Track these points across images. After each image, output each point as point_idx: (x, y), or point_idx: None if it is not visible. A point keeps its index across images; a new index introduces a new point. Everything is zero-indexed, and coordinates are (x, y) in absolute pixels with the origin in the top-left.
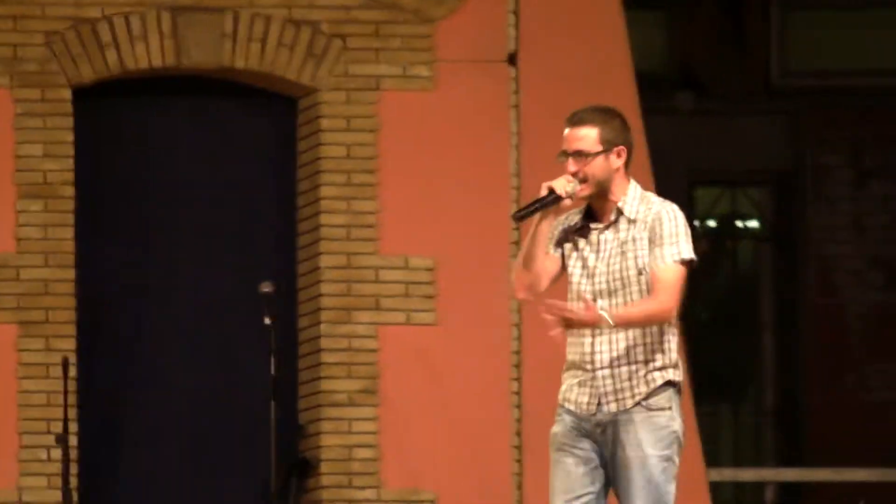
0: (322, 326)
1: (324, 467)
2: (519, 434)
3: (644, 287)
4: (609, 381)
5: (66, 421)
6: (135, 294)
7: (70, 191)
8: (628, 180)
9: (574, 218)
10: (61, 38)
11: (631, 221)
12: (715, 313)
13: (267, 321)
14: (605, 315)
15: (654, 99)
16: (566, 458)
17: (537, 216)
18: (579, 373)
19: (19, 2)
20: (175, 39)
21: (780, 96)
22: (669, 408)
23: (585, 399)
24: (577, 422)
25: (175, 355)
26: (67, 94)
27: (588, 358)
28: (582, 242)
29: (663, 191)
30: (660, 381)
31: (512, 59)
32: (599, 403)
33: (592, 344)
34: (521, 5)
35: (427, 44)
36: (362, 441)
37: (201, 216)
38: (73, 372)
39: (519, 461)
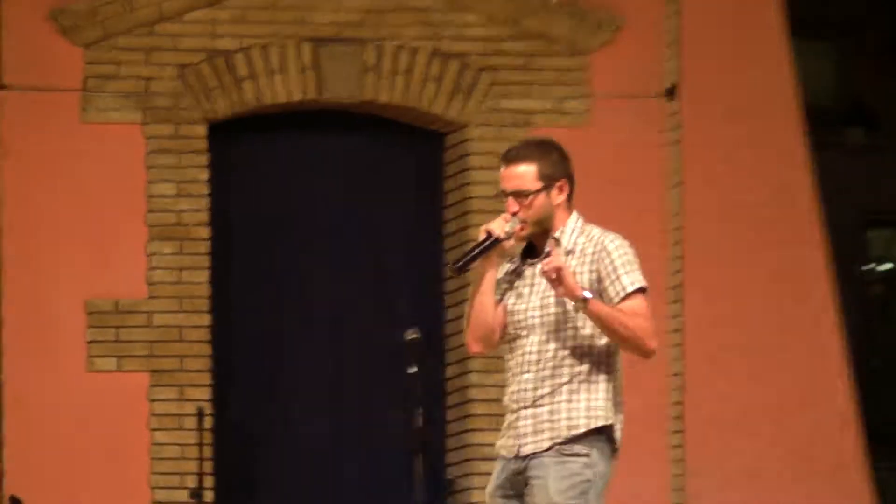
0: (471, 376)
1: None
2: (683, 489)
3: (583, 323)
4: (529, 422)
5: (200, 475)
6: (272, 340)
7: (204, 232)
8: (570, 213)
9: (517, 259)
10: (195, 72)
11: (568, 252)
12: (890, 361)
13: (412, 370)
14: (586, 294)
15: (823, 134)
16: None
17: (478, 263)
18: (509, 415)
19: (151, 33)
20: (315, 72)
21: None
22: (587, 454)
23: (509, 442)
24: (505, 472)
25: (314, 405)
26: (202, 129)
27: (524, 395)
28: (518, 279)
29: (834, 231)
30: (582, 428)
31: (671, 93)
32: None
33: (523, 383)
34: (681, 36)
35: (580, 77)
36: None
37: (342, 258)
38: (208, 422)
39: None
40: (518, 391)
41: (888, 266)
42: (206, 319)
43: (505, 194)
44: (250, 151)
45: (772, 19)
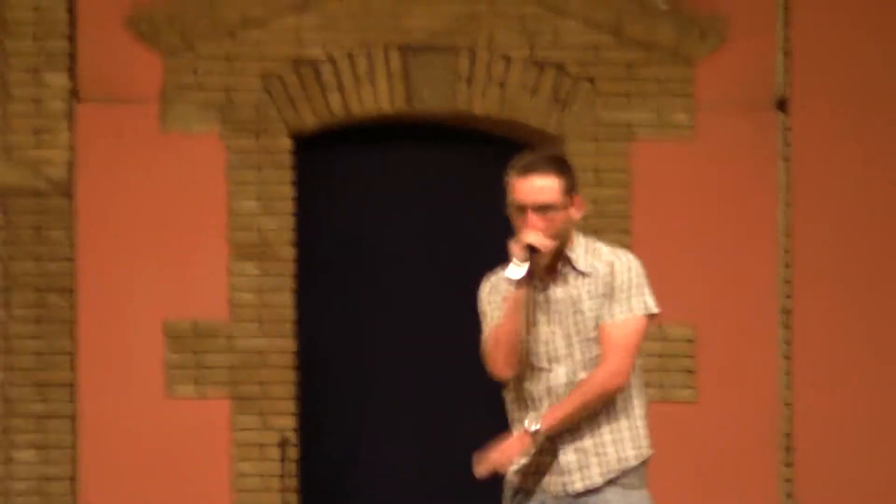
0: None
1: None
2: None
3: None
4: (572, 458)
5: None
6: (360, 364)
7: (289, 251)
8: (575, 231)
9: (502, 281)
10: (280, 81)
11: (582, 275)
12: None
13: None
14: (534, 429)
15: None
16: None
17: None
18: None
19: (233, 40)
20: (405, 82)
21: None
22: (641, 486)
23: (553, 478)
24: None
25: (405, 432)
26: (287, 142)
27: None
28: (528, 306)
29: None
30: (633, 461)
31: (781, 105)
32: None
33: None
34: (792, 44)
35: (686, 87)
36: None
37: (432, 277)
38: (292, 452)
39: None
40: (522, 419)
41: None
42: (290, 343)
43: (524, 208)
44: (338, 165)
45: (888, 25)
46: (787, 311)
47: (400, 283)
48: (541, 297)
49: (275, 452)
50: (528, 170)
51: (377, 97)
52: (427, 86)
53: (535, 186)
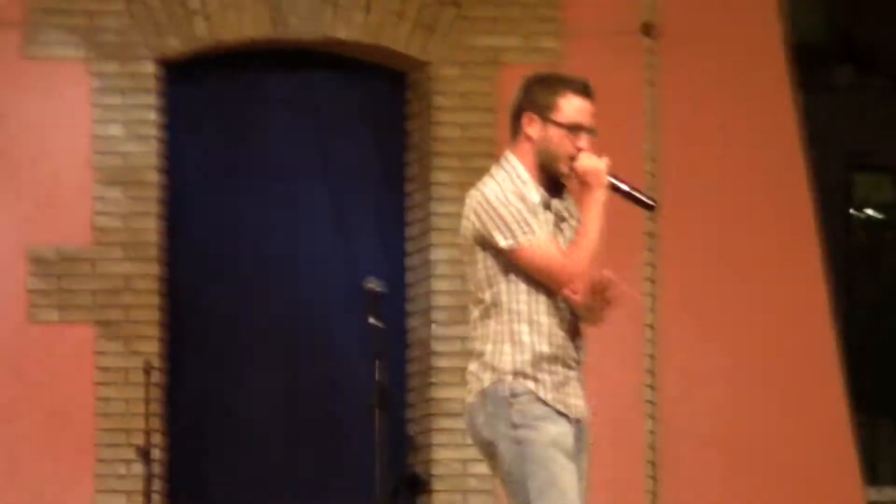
0: (435, 328)
1: (435, 483)
2: (653, 448)
3: None
4: (582, 380)
5: (148, 432)
6: (225, 290)
7: (154, 176)
8: None
9: (533, 196)
10: (144, 5)
11: (569, 200)
12: (874, 314)
13: (372, 321)
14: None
15: (809, 74)
16: (571, 467)
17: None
18: (560, 369)
19: None
20: (272, 7)
21: None
22: None
23: (571, 401)
24: (571, 428)
25: (269, 358)
26: (151, 67)
27: (573, 353)
28: (554, 221)
29: (818, 175)
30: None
31: (648, 30)
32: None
33: (575, 336)
34: None
35: (553, 12)
36: (478, 455)
37: (301, 202)
38: (156, 377)
39: (652, 477)
40: (566, 347)
41: (873, 213)
42: (154, 269)
43: (579, 129)
44: (204, 92)
45: None
46: (653, 235)
47: (267, 206)
48: (569, 213)
49: (139, 377)
50: (587, 91)
51: (243, 23)
52: (293, 11)
53: (591, 110)
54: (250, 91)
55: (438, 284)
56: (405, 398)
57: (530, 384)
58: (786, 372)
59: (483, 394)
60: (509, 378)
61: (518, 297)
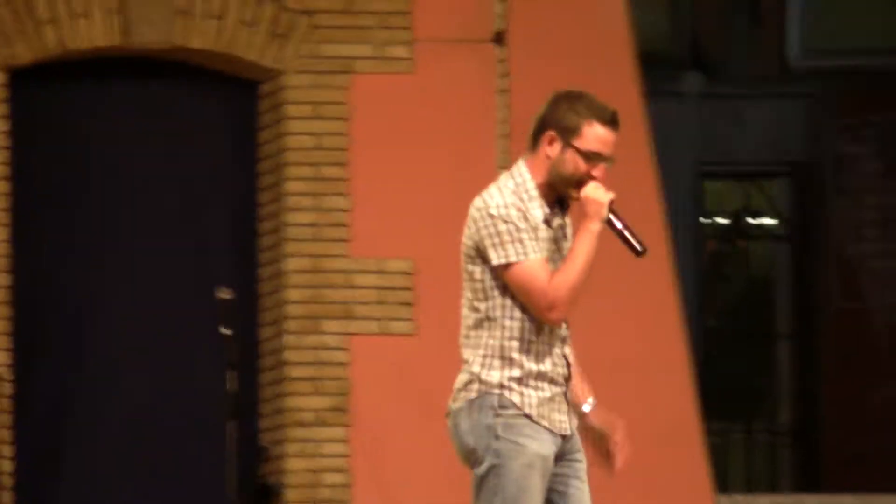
0: (287, 337)
1: (289, 494)
2: None
3: None
4: (569, 397)
5: None
6: (77, 300)
7: (3, 186)
8: None
9: (536, 212)
10: None
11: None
12: (726, 321)
13: (224, 331)
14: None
15: (658, 81)
16: (541, 489)
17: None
18: (548, 387)
19: None
20: (122, 15)
21: (799, 78)
22: None
23: (557, 417)
24: (554, 446)
25: (122, 370)
26: (1, 77)
27: (562, 370)
28: (554, 244)
29: (668, 183)
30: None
31: (499, 39)
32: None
33: (563, 354)
34: None
35: (405, 21)
36: (331, 465)
37: (151, 214)
38: (7, 389)
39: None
40: (556, 364)
41: (723, 220)
42: (5, 279)
43: (598, 158)
44: (54, 100)
45: None
46: None
47: (119, 216)
48: (565, 233)
49: None
50: (613, 121)
51: (93, 31)
52: (144, 20)
53: (613, 140)
54: (99, 100)
55: (291, 294)
56: (257, 408)
57: (516, 399)
58: (637, 379)
59: (470, 402)
60: (497, 391)
61: (513, 312)
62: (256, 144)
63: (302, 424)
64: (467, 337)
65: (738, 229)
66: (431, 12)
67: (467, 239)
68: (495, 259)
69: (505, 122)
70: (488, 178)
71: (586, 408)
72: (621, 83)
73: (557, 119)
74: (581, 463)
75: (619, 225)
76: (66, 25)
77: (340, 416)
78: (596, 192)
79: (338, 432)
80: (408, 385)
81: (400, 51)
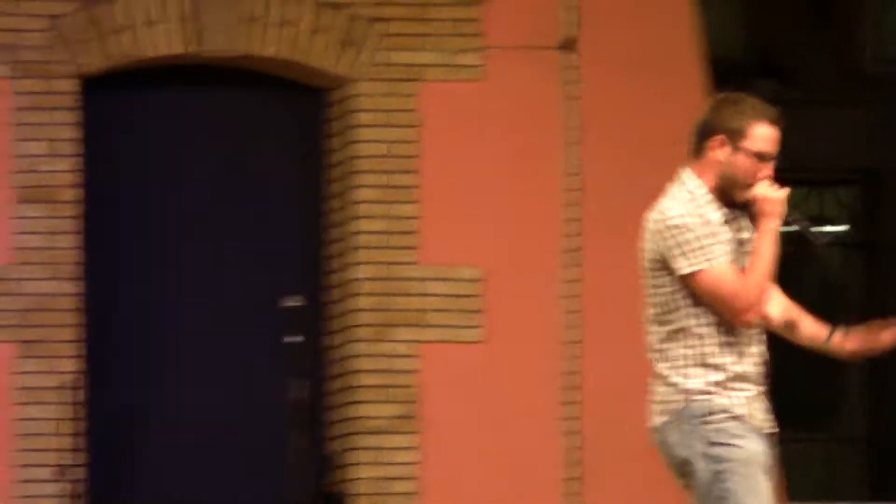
0: (357, 345)
1: (359, 502)
2: (579, 463)
3: None
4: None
5: (75, 451)
6: (146, 308)
7: (74, 194)
8: None
9: (714, 215)
10: (67, 22)
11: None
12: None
13: (292, 339)
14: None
15: (730, 88)
16: (768, 484)
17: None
18: (751, 387)
19: None
20: (194, 23)
21: (875, 85)
22: None
23: (762, 416)
24: (765, 443)
25: (193, 376)
26: (73, 84)
27: (761, 369)
28: (739, 245)
29: None
30: None
31: (568, 46)
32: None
33: (762, 355)
34: None
35: (474, 28)
36: (401, 473)
37: (222, 222)
38: (78, 396)
39: (572, 494)
40: (756, 364)
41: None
42: (77, 287)
43: (766, 157)
44: (126, 109)
45: None
46: (575, 251)
47: (189, 224)
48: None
49: (61, 396)
50: (778, 121)
51: (166, 39)
52: (216, 28)
53: (777, 138)
54: (170, 108)
55: (361, 302)
56: (323, 416)
57: (724, 402)
58: None
59: (677, 413)
60: (703, 397)
61: (706, 319)
62: (326, 152)
63: (371, 432)
64: (660, 350)
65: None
66: (501, 20)
67: (649, 252)
68: (683, 268)
69: (574, 130)
70: (557, 185)
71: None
72: (691, 90)
73: (724, 123)
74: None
75: (797, 220)
76: (138, 33)
77: (410, 423)
78: (769, 191)
79: (407, 440)
80: (477, 392)
81: (470, 58)
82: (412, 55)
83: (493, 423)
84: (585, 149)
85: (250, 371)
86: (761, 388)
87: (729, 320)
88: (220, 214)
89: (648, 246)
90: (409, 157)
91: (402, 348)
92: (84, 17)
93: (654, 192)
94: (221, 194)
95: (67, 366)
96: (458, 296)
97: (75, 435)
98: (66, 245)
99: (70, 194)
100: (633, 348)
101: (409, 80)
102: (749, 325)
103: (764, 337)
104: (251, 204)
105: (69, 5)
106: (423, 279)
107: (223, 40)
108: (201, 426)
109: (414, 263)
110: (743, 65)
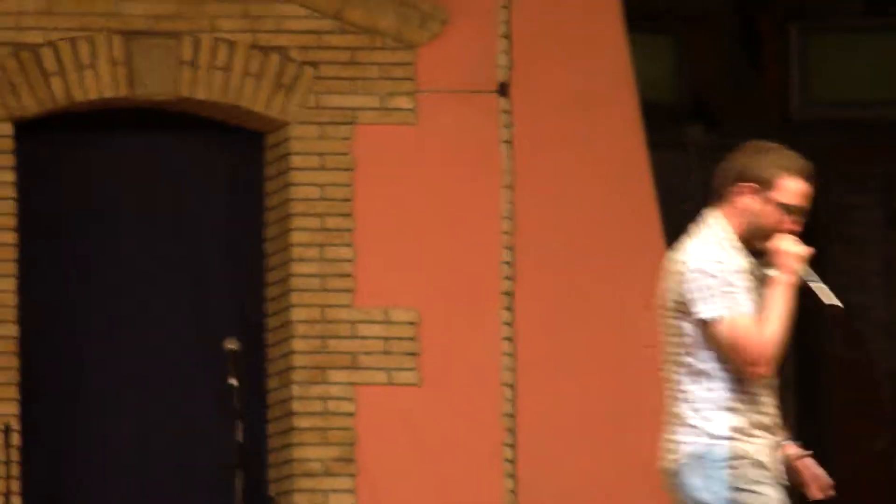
0: (293, 387)
1: None
2: None
3: None
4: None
5: (7, 494)
6: (83, 352)
7: (11, 237)
8: None
9: (741, 261)
10: (0, 66)
11: None
12: None
13: (231, 381)
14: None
15: (660, 132)
16: None
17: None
18: (769, 436)
19: None
20: (128, 67)
21: (802, 129)
22: None
23: (780, 466)
24: (784, 494)
25: (129, 418)
26: (8, 128)
27: (778, 419)
28: (757, 293)
29: (670, 233)
30: None
31: (502, 90)
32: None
33: (775, 404)
34: (512, 29)
35: (408, 72)
36: None
37: (157, 265)
38: (14, 439)
39: None
40: (773, 414)
41: None
42: (12, 330)
43: (794, 211)
44: (60, 151)
45: (608, 10)
46: (509, 294)
47: (124, 266)
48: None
49: None
50: (810, 175)
51: (99, 83)
52: (149, 71)
53: (808, 193)
54: (105, 151)
55: (297, 345)
56: (265, 458)
57: (747, 448)
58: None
59: (698, 457)
60: (726, 442)
61: (728, 363)
62: (262, 195)
63: (309, 474)
64: (682, 392)
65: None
66: (434, 63)
67: (671, 293)
68: (703, 313)
69: (509, 173)
70: (493, 227)
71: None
72: (625, 135)
73: (755, 171)
74: None
75: (813, 282)
76: (73, 77)
77: (347, 465)
78: (792, 246)
79: (345, 482)
80: (413, 435)
81: (403, 101)
82: (345, 98)
83: (428, 465)
84: (519, 192)
85: (192, 413)
86: (778, 439)
87: (740, 371)
88: (158, 257)
89: (671, 287)
90: (344, 199)
91: (338, 391)
92: (16, 60)
93: (587, 234)
94: (159, 237)
95: (3, 408)
96: (394, 338)
97: (13, 478)
98: (2, 287)
99: (5, 237)
100: (566, 387)
101: (342, 123)
102: (760, 378)
103: (777, 391)
104: (189, 246)
105: (2, 49)
106: (359, 321)
107: (158, 83)
108: (142, 470)
109: (349, 306)
110: (673, 109)
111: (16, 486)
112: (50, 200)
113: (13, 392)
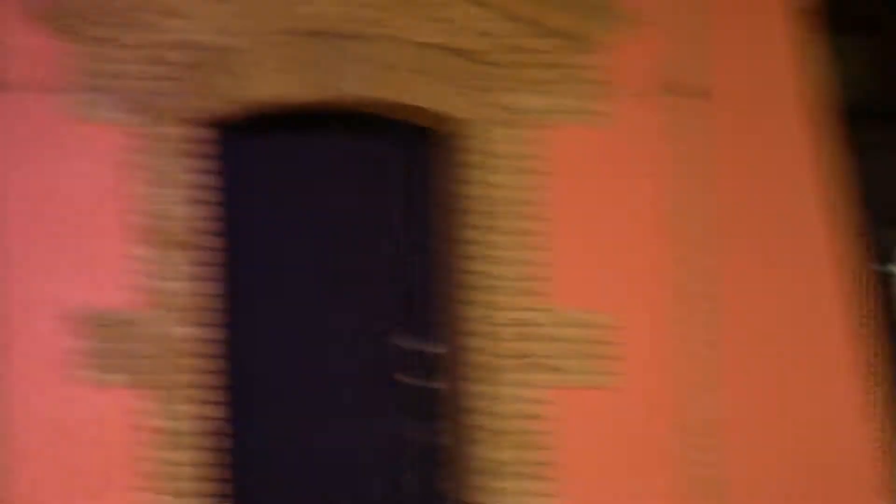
0: (490, 389)
1: None
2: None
3: None
4: None
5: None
6: (284, 352)
7: (206, 239)
8: None
9: None
10: (199, 69)
11: None
12: None
13: (432, 384)
14: None
15: (864, 135)
16: None
17: None
18: None
19: (152, 29)
20: (322, 69)
21: None
22: None
23: None
24: None
25: (318, 416)
26: (204, 130)
27: None
28: None
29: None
30: None
31: (700, 93)
32: None
33: None
34: (708, 30)
35: (599, 74)
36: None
37: (343, 264)
38: (213, 441)
39: None
40: None
41: None
42: (220, 333)
43: None
44: (258, 153)
45: (797, 15)
46: (707, 296)
47: (311, 268)
48: None
49: (195, 440)
50: None
51: (296, 85)
52: (342, 73)
53: None
54: (291, 153)
55: (492, 347)
56: (460, 461)
57: None
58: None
59: None
60: None
61: None
62: (454, 197)
63: (504, 476)
64: None
65: None
66: (625, 65)
67: None
68: None
69: (704, 176)
70: (687, 232)
71: None
72: (815, 136)
73: None
74: None
75: None
76: (271, 80)
77: (543, 469)
78: None
79: (540, 485)
80: (609, 438)
81: (593, 104)
82: (536, 100)
83: (626, 468)
84: (717, 195)
85: (379, 413)
86: None
87: None
88: (344, 256)
89: None
90: (536, 203)
91: (533, 393)
92: (215, 65)
93: (783, 233)
94: (344, 238)
95: (203, 411)
96: (592, 342)
97: (211, 481)
98: (202, 290)
99: (201, 240)
100: (768, 391)
101: (532, 125)
102: None
103: None
104: (375, 247)
105: (199, 53)
106: (556, 325)
107: (348, 85)
108: (329, 469)
109: (548, 310)
110: (875, 110)
111: (212, 488)
112: (246, 202)
113: (216, 395)
